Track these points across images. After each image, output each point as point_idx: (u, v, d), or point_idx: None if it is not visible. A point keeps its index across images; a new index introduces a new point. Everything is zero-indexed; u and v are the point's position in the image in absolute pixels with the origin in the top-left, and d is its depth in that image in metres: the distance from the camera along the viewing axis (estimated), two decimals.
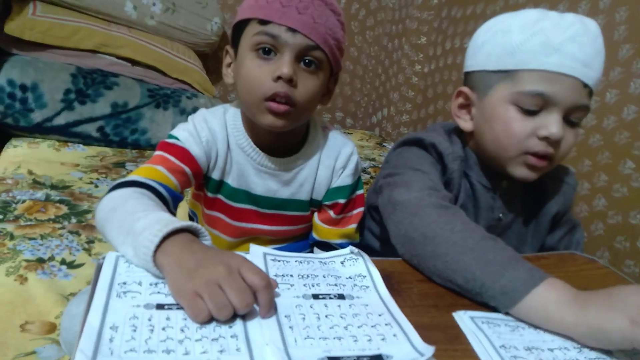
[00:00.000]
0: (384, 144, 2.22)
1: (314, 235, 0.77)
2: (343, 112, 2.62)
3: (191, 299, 0.41)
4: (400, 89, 2.38)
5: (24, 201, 1.07)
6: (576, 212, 1.41)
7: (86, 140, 1.49)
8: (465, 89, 0.70)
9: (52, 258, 0.89)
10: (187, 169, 0.63)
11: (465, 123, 0.70)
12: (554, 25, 0.60)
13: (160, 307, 0.42)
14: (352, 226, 0.75)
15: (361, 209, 0.76)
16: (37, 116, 1.41)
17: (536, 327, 0.49)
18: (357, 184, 0.75)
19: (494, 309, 0.51)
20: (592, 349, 0.46)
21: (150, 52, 1.64)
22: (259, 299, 0.43)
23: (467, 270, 0.51)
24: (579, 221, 0.81)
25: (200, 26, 1.84)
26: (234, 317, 0.42)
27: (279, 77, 0.59)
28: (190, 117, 0.67)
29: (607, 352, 0.45)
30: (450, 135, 0.72)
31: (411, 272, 0.58)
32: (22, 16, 1.44)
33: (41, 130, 1.43)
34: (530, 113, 0.62)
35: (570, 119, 0.62)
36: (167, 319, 0.41)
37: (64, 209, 1.07)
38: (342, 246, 0.75)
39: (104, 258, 0.47)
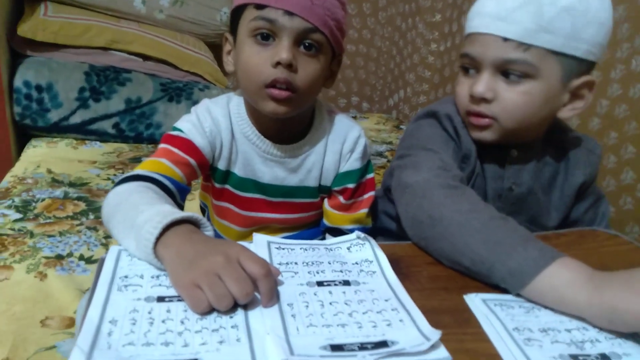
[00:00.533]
0: (401, 127, 2.18)
1: (325, 221, 0.76)
2: (359, 96, 2.58)
3: (190, 290, 0.41)
4: (416, 70, 2.32)
5: (43, 199, 1.09)
6: (603, 186, 1.36)
7: (103, 137, 1.51)
8: None
9: (70, 254, 0.90)
10: (191, 160, 0.63)
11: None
12: None
13: (161, 299, 0.42)
14: (363, 211, 0.74)
15: (372, 193, 0.74)
16: (53, 116, 1.43)
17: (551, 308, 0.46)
18: (366, 167, 0.73)
19: (506, 291, 0.49)
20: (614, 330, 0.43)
21: (161, 46, 1.65)
22: (259, 288, 0.42)
23: (474, 251, 0.50)
24: (603, 193, 0.78)
25: (209, 17, 1.83)
26: (235, 307, 0.41)
27: (278, 63, 0.57)
28: (193, 108, 0.67)
29: (629, 334, 0.43)
30: None
31: (421, 255, 0.56)
32: (34, 17, 1.46)
33: (59, 130, 1.46)
34: (467, 75, 0.65)
35: (508, 74, 0.61)
36: (168, 311, 0.40)
37: (82, 206, 1.09)
38: (353, 232, 0.74)
39: (107, 253, 0.47)
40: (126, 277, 0.44)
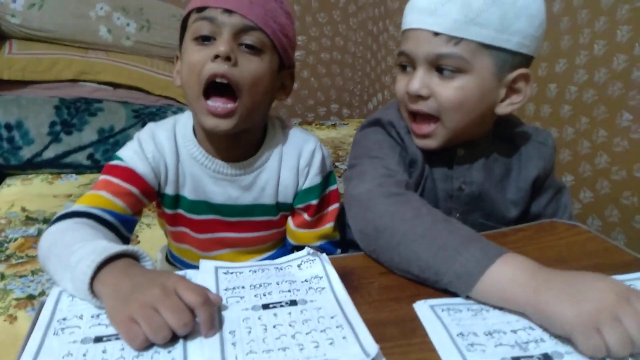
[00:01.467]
0: None
1: (290, 240, 0.74)
2: (338, 103, 2.59)
3: (126, 325, 0.40)
4: (391, 72, 2.33)
5: (15, 239, 1.08)
6: (579, 172, 1.36)
7: (78, 169, 1.50)
8: None
9: (42, 293, 0.89)
10: (134, 189, 0.62)
11: None
12: None
13: (98, 339, 0.41)
14: (329, 225, 0.73)
15: (336, 205, 0.73)
16: (26, 153, 1.43)
17: (501, 308, 0.46)
18: (327, 180, 0.72)
19: (455, 295, 0.49)
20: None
21: (131, 72, 1.65)
22: (198, 317, 0.41)
23: (421, 258, 0.49)
24: (564, 184, 0.77)
25: (177, 39, 1.83)
26: (174, 339, 0.41)
27: (217, 56, 0.57)
28: (136, 134, 0.66)
29: None
30: None
31: (374, 266, 0.55)
32: None
33: (32, 166, 1.45)
34: (405, 73, 0.64)
35: (442, 70, 0.60)
36: (104, 351, 0.40)
37: None
38: (321, 247, 0.73)
39: (47, 296, 0.46)
40: (64, 319, 0.43)
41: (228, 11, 0.57)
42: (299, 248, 0.73)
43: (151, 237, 1.11)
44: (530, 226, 0.66)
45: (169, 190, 0.66)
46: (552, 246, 0.60)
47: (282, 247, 0.78)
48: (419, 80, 0.61)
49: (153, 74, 1.69)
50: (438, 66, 0.60)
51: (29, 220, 1.19)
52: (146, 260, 0.48)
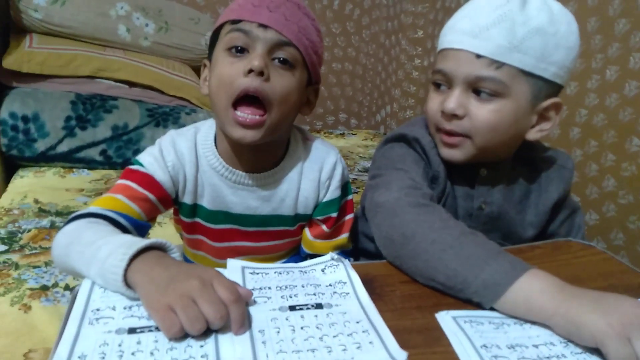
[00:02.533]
0: None
1: (306, 250, 0.75)
2: (346, 113, 2.61)
3: (164, 313, 0.41)
4: (401, 85, 2.36)
5: (29, 230, 1.09)
6: (586, 194, 1.38)
7: (90, 164, 1.52)
8: None
9: (55, 284, 0.90)
10: (151, 196, 0.61)
11: None
12: (462, 6, 0.64)
13: (132, 331, 0.42)
14: (344, 236, 0.74)
15: (351, 216, 0.74)
16: (40, 145, 1.44)
17: (521, 323, 0.47)
18: (345, 191, 0.73)
19: (478, 306, 0.50)
20: (578, 344, 0.44)
21: (147, 72, 1.67)
22: (230, 314, 0.42)
23: (448, 267, 0.50)
24: (578, 205, 0.79)
25: (194, 42, 1.86)
26: (207, 333, 0.42)
27: (250, 70, 0.57)
28: (158, 140, 0.65)
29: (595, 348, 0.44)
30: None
31: (395, 274, 0.57)
32: (20, 50, 1.48)
33: (46, 159, 1.46)
34: (439, 91, 0.65)
35: (479, 92, 0.61)
36: (138, 342, 0.41)
37: None
38: None
39: (79, 286, 0.48)
40: (98, 309, 0.44)
41: (263, 26, 0.58)
42: (313, 257, 0.75)
43: (162, 235, 1.11)
44: (546, 244, 0.67)
45: (187, 199, 0.66)
46: (567, 265, 0.62)
47: (295, 254, 0.79)
48: (455, 100, 0.62)
49: (168, 75, 1.71)
50: (476, 88, 0.61)
51: (42, 212, 1.20)
52: (174, 252, 0.49)
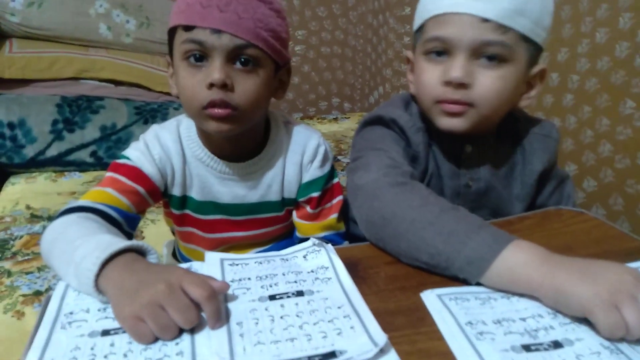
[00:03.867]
0: None
1: (297, 234, 0.75)
2: (339, 97, 2.58)
3: (133, 323, 0.40)
4: (392, 65, 2.32)
5: (21, 237, 1.09)
6: (583, 161, 1.35)
7: (81, 167, 1.51)
8: (409, 53, 0.69)
9: (49, 289, 0.90)
10: (140, 189, 0.61)
11: (412, 86, 0.69)
12: None
13: (105, 333, 0.41)
14: (333, 216, 0.73)
15: (340, 198, 0.73)
16: (29, 151, 1.43)
17: (509, 297, 0.46)
18: (330, 174, 0.72)
19: (465, 282, 0.49)
20: (567, 315, 0.43)
21: (132, 69, 1.65)
22: (204, 311, 0.41)
23: (430, 245, 0.49)
24: (567, 173, 0.77)
25: None
26: (182, 331, 0.41)
27: (212, 84, 0.55)
28: (142, 135, 0.65)
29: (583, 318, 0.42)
30: (409, 105, 0.69)
31: (380, 256, 0.55)
32: (0, 56, 1.46)
33: (36, 164, 1.45)
34: (436, 60, 0.61)
35: (484, 57, 0.58)
36: (111, 344, 0.40)
37: None
38: (327, 239, 0.73)
39: (53, 290, 0.47)
40: (71, 313, 0.43)
41: (217, 31, 0.55)
42: (304, 241, 0.74)
43: (156, 232, 1.11)
44: (536, 214, 0.65)
45: (176, 191, 0.66)
46: (558, 233, 0.60)
47: (287, 238, 0.78)
48: (462, 68, 0.57)
49: (154, 71, 1.69)
50: (481, 54, 0.58)
51: (34, 217, 1.19)
52: (151, 254, 0.48)
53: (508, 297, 0.46)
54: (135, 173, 0.61)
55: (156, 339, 0.40)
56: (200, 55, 0.56)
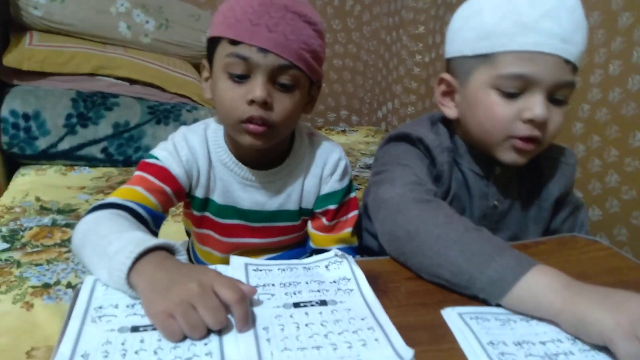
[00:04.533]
0: None
1: (310, 244, 0.76)
2: (347, 109, 2.60)
3: (164, 320, 0.41)
4: (402, 81, 2.34)
5: (31, 228, 1.09)
6: (589, 190, 1.37)
7: (91, 162, 1.51)
8: (447, 76, 0.68)
9: (57, 282, 0.90)
10: (167, 188, 0.63)
11: (449, 110, 0.68)
12: (527, 2, 0.58)
13: (135, 329, 0.42)
14: (348, 230, 0.74)
15: (355, 212, 0.74)
16: (41, 143, 1.44)
17: (528, 319, 0.47)
18: (348, 188, 0.73)
19: (484, 302, 0.49)
20: (586, 342, 0.43)
21: (148, 69, 1.66)
22: (233, 314, 0.42)
23: (453, 263, 0.50)
24: (582, 201, 0.78)
25: (194, 39, 1.85)
26: (210, 332, 0.42)
27: (253, 101, 0.57)
28: (170, 136, 0.67)
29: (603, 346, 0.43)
30: (436, 125, 0.70)
31: (400, 270, 0.56)
32: (20, 47, 1.48)
33: (47, 157, 1.46)
34: (512, 96, 0.60)
35: (555, 97, 0.60)
36: (141, 341, 0.40)
37: (70, 233, 1.09)
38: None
39: (82, 283, 0.47)
40: (100, 307, 0.44)
41: (263, 50, 0.56)
42: (317, 252, 0.75)
43: (166, 232, 1.11)
44: (552, 239, 0.66)
45: (199, 193, 0.68)
46: (574, 260, 0.61)
47: (299, 247, 0.79)
48: (544, 107, 0.58)
49: (169, 72, 1.71)
50: (553, 93, 0.59)
51: (43, 210, 1.20)
52: (181, 254, 0.49)
53: (527, 320, 0.47)
54: (163, 173, 0.63)
55: (184, 338, 0.41)
56: (242, 73, 0.58)
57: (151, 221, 0.60)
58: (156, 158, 0.64)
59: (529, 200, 0.71)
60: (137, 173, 0.63)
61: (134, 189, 0.61)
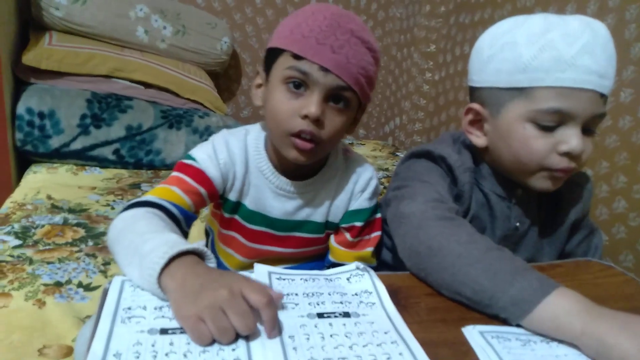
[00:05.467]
0: (397, 154, 2.21)
1: (330, 257, 0.76)
2: None
3: (194, 323, 0.41)
4: (411, 98, 2.37)
5: (42, 226, 1.10)
6: (596, 215, 1.38)
7: (103, 163, 1.52)
8: (476, 106, 0.67)
9: (69, 281, 0.90)
10: (202, 190, 0.64)
11: (478, 139, 0.69)
12: (562, 36, 0.58)
13: (164, 331, 0.42)
14: (369, 249, 0.74)
15: (378, 233, 0.75)
16: (54, 142, 1.45)
17: (548, 341, 0.47)
18: (375, 207, 0.74)
19: (504, 322, 0.50)
20: None
21: (163, 74, 1.68)
22: (262, 317, 0.43)
23: (476, 281, 0.51)
24: (597, 225, 0.79)
25: (210, 46, 1.87)
26: (237, 337, 0.42)
27: (306, 116, 0.59)
28: (211, 137, 0.68)
29: None
30: (459, 145, 0.71)
31: (419, 286, 0.57)
32: (39, 46, 1.49)
33: (59, 155, 1.47)
34: (548, 129, 0.61)
35: (588, 128, 0.61)
36: (171, 344, 0.41)
37: (81, 232, 1.09)
38: None
39: (110, 283, 0.48)
40: (129, 308, 0.44)
41: (324, 69, 0.58)
42: (335, 266, 0.75)
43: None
44: (567, 263, 0.67)
45: (232, 196, 0.69)
46: (589, 285, 0.62)
47: (318, 260, 0.79)
48: (581, 141, 0.59)
49: (183, 78, 1.72)
50: (588, 124, 0.60)
51: (55, 208, 1.20)
52: (211, 261, 0.49)
53: (548, 342, 0.47)
54: (200, 175, 0.64)
55: (213, 342, 0.41)
56: (300, 84, 0.59)
57: (184, 221, 0.61)
58: (194, 159, 0.65)
59: (546, 223, 0.72)
60: (175, 174, 0.65)
61: (171, 189, 0.62)
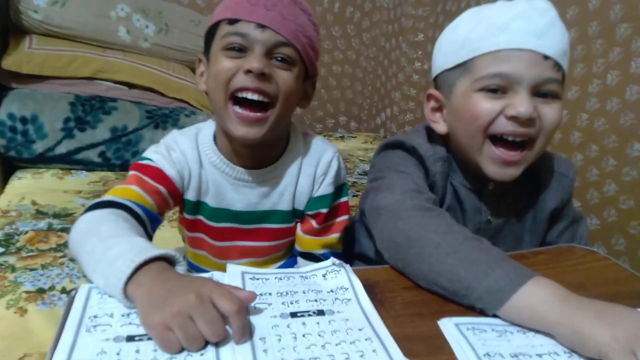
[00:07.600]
0: None
1: (297, 247, 0.76)
2: (346, 115, 2.60)
3: (161, 332, 0.40)
4: (401, 88, 2.35)
5: (26, 232, 1.08)
6: (587, 199, 1.37)
7: (88, 166, 1.51)
8: (434, 92, 0.68)
9: (52, 287, 0.89)
10: (162, 189, 0.63)
11: (439, 126, 0.68)
12: (497, 9, 0.61)
13: (130, 339, 0.41)
14: (334, 235, 0.74)
15: (344, 217, 0.74)
16: (39, 147, 1.43)
17: (525, 331, 0.47)
18: (339, 191, 0.73)
19: (481, 313, 0.49)
20: (582, 355, 0.43)
21: (147, 74, 1.66)
22: (231, 325, 0.42)
23: (452, 271, 0.50)
24: (582, 214, 0.78)
25: (194, 44, 1.85)
26: (207, 343, 0.41)
27: (249, 71, 0.58)
28: (162, 140, 0.68)
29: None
30: (432, 135, 0.70)
31: (397, 280, 0.56)
32: (19, 50, 1.47)
33: (44, 160, 1.46)
34: (495, 93, 0.60)
35: (542, 92, 0.59)
36: (137, 351, 0.40)
37: (66, 237, 1.08)
38: (325, 256, 0.74)
39: (76, 291, 0.47)
40: (95, 316, 0.44)
41: (261, 26, 0.58)
42: (305, 255, 0.74)
43: (163, 237, 1.10)
44: (549, 250, 0.66)
45: (190, 196, 0.68)
46: (571, 271, 0.61)
47: (292, 256, 0.79)
48: (529, 104, 0.58)
49: (168, 77, 1.70)
50: (538, 91, 0.59)
51: (39, 214, 1.19)
52: (181, 265, 0.48)
53: (524, 332, 0.47)
54: (158, 174, 0.63)
55: (182, 350, 0.40)
56: (241, 48, 0.59)
57: (148, 223, 0.60)
58: (149, 159, 0.64)
59: (525, 212, 0.71)
60: (132, 173, 0.63)
61: (131, 188, 0.61)
